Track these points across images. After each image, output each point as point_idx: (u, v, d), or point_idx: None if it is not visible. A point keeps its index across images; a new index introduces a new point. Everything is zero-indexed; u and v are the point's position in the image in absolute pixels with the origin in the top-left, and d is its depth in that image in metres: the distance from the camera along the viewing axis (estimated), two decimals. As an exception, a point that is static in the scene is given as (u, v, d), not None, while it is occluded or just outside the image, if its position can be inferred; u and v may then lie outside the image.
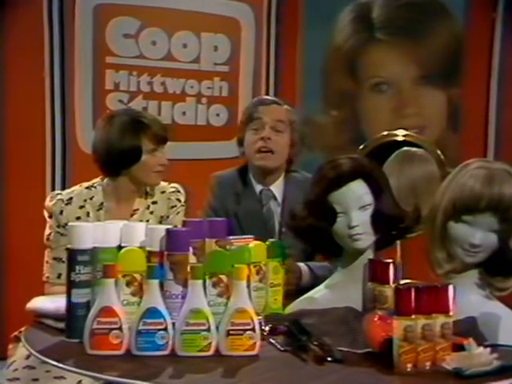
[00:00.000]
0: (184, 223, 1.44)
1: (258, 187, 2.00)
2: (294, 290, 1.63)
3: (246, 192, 2.00)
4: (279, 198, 1.99)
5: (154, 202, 1.90)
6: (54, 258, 1.80)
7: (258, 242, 1.49)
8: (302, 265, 1.78)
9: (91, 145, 1.89)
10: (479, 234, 1.38)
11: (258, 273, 1.46)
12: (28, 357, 1.63)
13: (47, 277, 1.82)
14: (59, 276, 1.76)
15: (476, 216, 1.38)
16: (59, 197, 1.85)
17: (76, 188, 1.89)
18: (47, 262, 1.83)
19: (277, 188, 2.00)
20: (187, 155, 2.94)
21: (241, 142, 2.03)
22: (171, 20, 3.01)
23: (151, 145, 1.83)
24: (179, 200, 1.93)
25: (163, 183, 1.95)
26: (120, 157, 1.81)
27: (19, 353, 1.68)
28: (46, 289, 1.81)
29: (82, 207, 1.84)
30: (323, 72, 3.25)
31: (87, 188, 1.88)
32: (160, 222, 1.87)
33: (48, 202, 1.86)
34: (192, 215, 1.91)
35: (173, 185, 1.96)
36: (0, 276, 2.73)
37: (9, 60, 2.70)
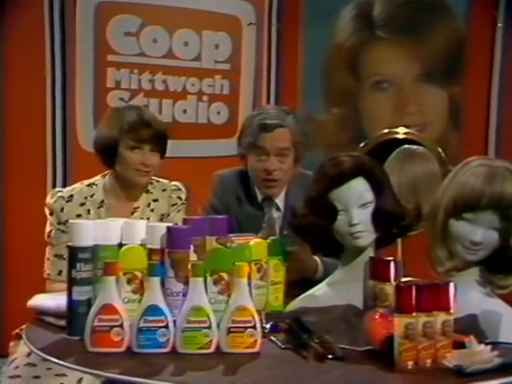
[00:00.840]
0: (185, 221, 1.45)
1: (260, 196, 1.99)
2: (302, 280, 1.62)
3: (248, 197, 1.99)
4: (281, 205, 1.98)
5: (155, 200, 1.91)
6: (55, 255, 1.80)
7: (258, 240, 1.49)
8: (317, 258, 1.78)
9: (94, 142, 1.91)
10: (480, 232, 1.38)
11: (258, 270, 1.47)
12: (29, 354, 1.63)
13: (48, 274, 1.82)
14: (60, 273, 1.77)
15: (477, 214, 1.38)
16: (60, 194, 1.86)
17: (77, 185, 1.90)
18: (48, 258, 1.83)
19: (279, 197, 1.98)
20: (188, 153, 2.94)
21: (241, 156, 1.99)
22: (172, 18, 3.00)
23: (130, 141, 1.82)
24: (180, 198, 1.93)
25: (164, 181, 1.95)
26: (99, 146, 1.85)
27: (20, 350, 1.68)
28: (47, 286, 1.81)
29: (82, 205, 1.85)
30: (324, 70, 3.24)
31: (88, 185, 1.89)
32: (161, 220, 1.87)
33: (49, 200, 1.86)
34: (193, 213, 1.91)
35: (174, 183, 1.96)
36: None
37: (10, 58, 2.70)
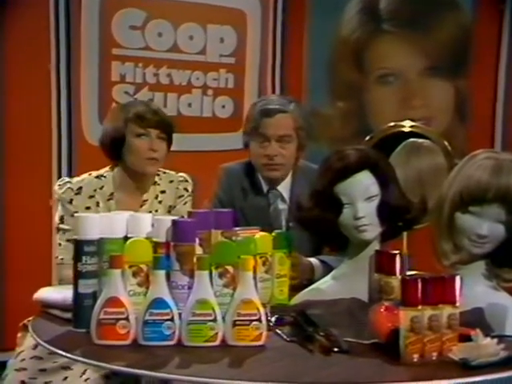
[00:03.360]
0: (190, 214, 1.44)
1: (266, 186, 1.99)
2: (303, 284, 1.62)
3: (254, 189, 1.99)
4: (287, 196, 1.98)
5: (163, 192, 1.91)
6: (68, 240, 1.76)
7: (263, 233, 1.49)
8: (312, 259, 1.77)
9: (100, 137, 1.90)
10: (486, 225, 1.38)
11: (264, 264, 1.47)
12: (35, 347, 1.63)
13: (61, 259, 1.79)
14: None
15: (483, 207, 1.37)
16: (69, 185, 1.84)
17: (85, 177, 1.88)
18: (60, 244, 1.81)
19: (284, 188, 1.98)
20: (193, 147, 2.94)
21: (246, 144, 2.00)
22: (177, 12, 2.99)
23: (138, 128, 1.81)
24: (187, 190, 1.93)
25: (171, 172, 1.95)
26: (107, 139, 1.84)
27: (27, 343, 1.68)
28: (62, 270, 1.78)
29: (91, 197, 1.84)
30: (329, 63, 3.23)
31: (97, 177, 1.87)
32: (168, 212, 1.87)
33: (57, 190, 1.84)
34: (198, 206, 1.91)
35: (181, 174, 1.96)
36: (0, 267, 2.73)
37: (14, 52, 2.70)
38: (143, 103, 1.91)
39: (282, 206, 1.98)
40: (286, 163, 1.95)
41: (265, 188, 1.99)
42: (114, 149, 1.85)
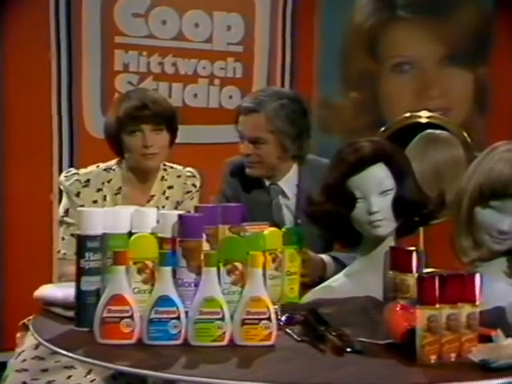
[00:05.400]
0: (197, 209, 1.45)
1: (267, 181, 2.00)
2: (314, 282, 1.62)
3: (256, 184, 1.99)
4: (289, 192, 1.97)
5: (170, 187, 1.91)
6: (72, 235, 1.76)
7: (273, 229, 1.49)
8: (324, 256, 1.77)
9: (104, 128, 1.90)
10: (508, 221, 1.37)
11: (273, 260, 1.47)
12: (37, 347, 1.65)
13: (64, 253, 1.79)
14: None
15: (505, 201, 1.37)
16: (76, 177, 1.83)
17: (93, 169, 1.87)
18: (63, 238, 1.81)
19: (286, 183, 1.98)
20: (198, 139, 2.94)
21: None
22: (182, -2, 3.00)
23: (130, 126, 1.81)
24: (195, 185, 1.94)
25: (178, 167, 1.95)
26: (106, 134, 1.85)
27: (28, 342, 1.69)
28: (63, 266, 1.78)
29: (99, 190, 1.83)
30: (342, 52, 3.22)
31: (105, 170, 1.87)
32: (176, 208, 1.87)
33: (64, 181, 1.84)
34: (205, 201, 1.92)
35: (188, 169, 1.96)
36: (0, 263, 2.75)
37: (14, 40, 2.71)
38: (140, 95, 1.86)
39: (283, 202, 1.98)
40: (263, 162, 1.94)
41: (266, 182, 2.00)
42: (115, 147, 1.86)
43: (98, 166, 1.88)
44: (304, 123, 1.96)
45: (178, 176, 1.92)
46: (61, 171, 2.75)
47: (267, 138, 1.91)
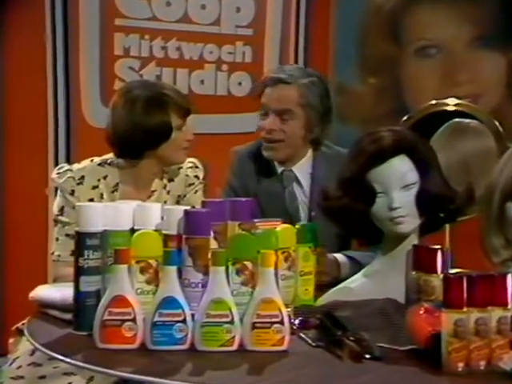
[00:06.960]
0: (204, 204, 1.46)
1: (280, 167, 2.00)
2: (329, 283, 1.62)
3: (268, 171, 1.99)
4: (303, 180, 1.98)
5: (171, 180, 1.91)
6: (67, 235, 1.78)
7: (286, 226, 1.50)
8: (338, 255, 1.78)
9: (107, 125, 1.86)
10: (542, 217, 1.37)
11: (286, 260, 1.47)
12: (33, 353, 1.66)
13: (58, 255, 1.81)
14: (73, 254, 1.76)
15: (539, 196, 1.37)
16: (70, 174, 1.83)
17: (87, 164, 1.87)
18: (57, 239, 1.82)
19: (300, 169, 1.98)
20: (206, 129, 2.94)
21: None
22: (187, -23, 3.00)
23: (178, 120, 1.83)
24: (197, 177, 1.94)
25: None
26: (147, 136, 1.81)
27: (22, 348, 1.70)
28: (57, 268, 1.80)
29: (95, 187, 1.83)
30: (360, 34, 3.21)
31: (100, 165, 1.87)
32: (177, 202, 1.88)
33: (57, 179, 1.84)
34: (211, 194, 1.92)
35: (190, 159, 1.96)
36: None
37: (8, 21, 2.72)
38: (173, 89, 1.90)
39: (297, 190, 1.98)
40: (286, 140, 1.93)
41: (279, 169, 1.99)
42: (147, 143, 1.81)
43: (92, 161, 1.88)
44: (330, 105, 1.99)
45: (179, 168, 1.93)
46: (57, 163, 2.78)
47: (297, 113, 1.92)
